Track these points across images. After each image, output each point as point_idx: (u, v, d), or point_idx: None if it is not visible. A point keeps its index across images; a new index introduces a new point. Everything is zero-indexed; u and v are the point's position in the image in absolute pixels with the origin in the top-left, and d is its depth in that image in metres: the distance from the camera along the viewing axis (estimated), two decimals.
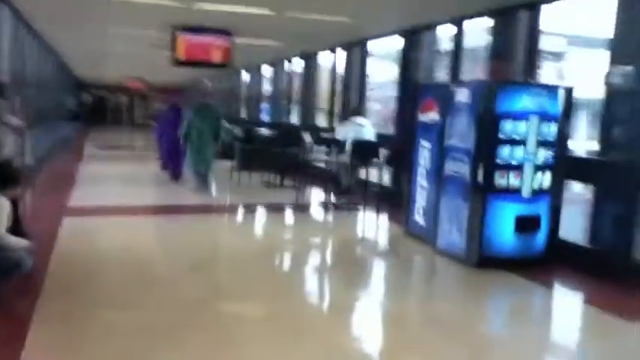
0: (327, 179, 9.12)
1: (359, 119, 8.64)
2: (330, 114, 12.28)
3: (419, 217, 6.87)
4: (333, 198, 8.86)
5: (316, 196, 9.63)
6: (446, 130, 6.26)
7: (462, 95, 6.03)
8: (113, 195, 9.19)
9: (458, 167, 6.05)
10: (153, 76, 27.07)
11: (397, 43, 9.55)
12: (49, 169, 12.10)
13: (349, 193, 8.86)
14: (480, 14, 7.62)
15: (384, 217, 8.11)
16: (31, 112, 10.79)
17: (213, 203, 9.05)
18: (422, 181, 6.85)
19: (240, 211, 8.62)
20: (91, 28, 10.58)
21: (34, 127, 10.92)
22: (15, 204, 4.56)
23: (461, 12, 7.82)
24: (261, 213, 8.67)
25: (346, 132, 8.60)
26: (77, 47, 14.31)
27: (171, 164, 10.65)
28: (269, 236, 7.37)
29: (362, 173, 8.84)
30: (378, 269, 6.22)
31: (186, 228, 7.30)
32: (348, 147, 8.46)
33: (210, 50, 9.94)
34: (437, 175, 6.52)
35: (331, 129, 11.75)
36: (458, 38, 8.13)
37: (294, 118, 14.74)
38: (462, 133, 6.00)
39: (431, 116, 6.72)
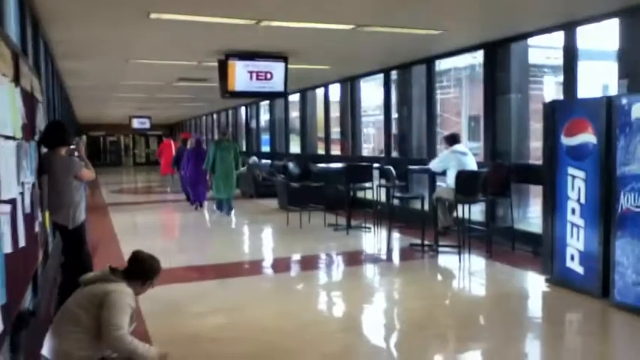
0: (418, 219, 7.78)
1: (459, 147, 7.34)
2: (388, 146, 11.05)
3: (574, 264, 5.60)
4: (427, 241, 7.49)
5: (404, 239, 8.29)
6: (619, 155, 5.03)
7: None
8: (168, 252, 7.77)
9: None
10: (155, 113, 25.80)
11: None
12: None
13: (447, 235, 7.55)
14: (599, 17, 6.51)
15: (501, 264, 6.82)
16: None
17: (293, 255, 7.76)
18: (575, 219, 5.59)
19: (328, 264, 7.27)
20: (114, 59, 9.27)
21: None
22: None
23: (573, 17, 6.69)
24: (350, 265, 7.31)
25: (446, 162, 7.30)
26: (89, 83, 12.94)
27: (194, 193, 12.16)
28: (380, 295, 6.01)
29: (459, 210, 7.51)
30: (554, 337, 4.80)
31: (278, 291, 5.97)
32: (449, 180, 7.18)
33: (265, 78, 8.66)
34: (601, 211, 5.29)
35: (388, 160, 10.53)
36: (571, 46, 6.99)
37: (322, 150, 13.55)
38: None
39: (582, 139, 5.52)
